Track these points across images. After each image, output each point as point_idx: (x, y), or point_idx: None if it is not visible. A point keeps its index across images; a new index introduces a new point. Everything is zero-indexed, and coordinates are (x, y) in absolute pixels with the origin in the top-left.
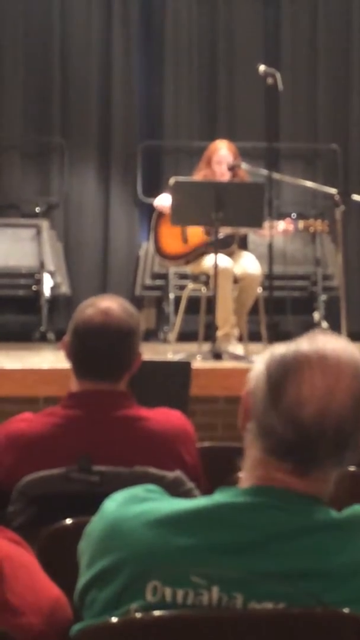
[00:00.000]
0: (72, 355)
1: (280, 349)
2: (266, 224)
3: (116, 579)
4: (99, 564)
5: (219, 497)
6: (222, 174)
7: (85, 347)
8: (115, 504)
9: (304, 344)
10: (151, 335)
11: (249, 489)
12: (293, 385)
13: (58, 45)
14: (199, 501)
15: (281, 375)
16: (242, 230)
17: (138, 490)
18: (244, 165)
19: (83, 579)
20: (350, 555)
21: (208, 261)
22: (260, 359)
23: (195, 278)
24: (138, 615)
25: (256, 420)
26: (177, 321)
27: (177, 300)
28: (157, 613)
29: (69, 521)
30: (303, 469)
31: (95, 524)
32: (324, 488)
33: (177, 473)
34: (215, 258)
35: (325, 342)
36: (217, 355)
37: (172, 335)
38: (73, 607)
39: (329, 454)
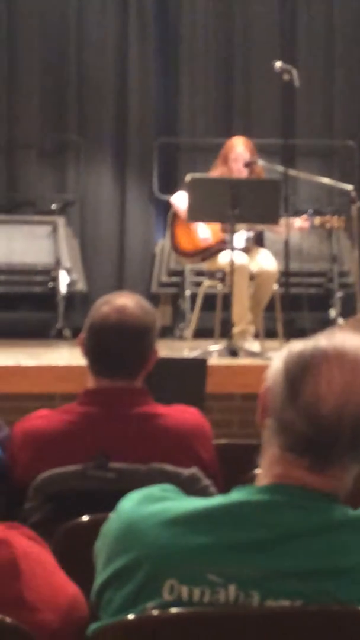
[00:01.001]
0: (88, 353)
1: (298, 345)
2: (282, 220)
3: (133, 578)
4: (116, 564)
5: (236, 495)
6: (239, 171)
7: (101, 344)
8: (131, 504)
9: (322, 341)
10: (167, 332)
11: (266, 487)
12: (311, 381)
13: (74, 43)
14: (216, 500)
15: (299, 372)
16: (258, 227)
17: (154, 489)
18: (261, 162)
19: (100, 578)
20: None
21: (224, 258)
22: (278, 356)
23: (211, 275)
24: (155, 612)
25: (274, 417)
26: (193, 318)
27: (194, 297)
28: (173, 610)
29: (85, 518)
30: (321, 465)
31: (112, 524)
32: (342, 485)
33: (193, 470)
34: (232, 255)
35: (343, 339)
36: (233, 352)
37: (188, 332)
38: (90, 606)
39: (347, 450)
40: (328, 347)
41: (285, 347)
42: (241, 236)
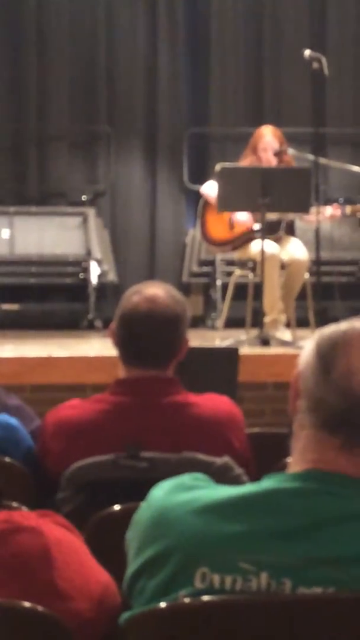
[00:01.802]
0: (119, 343)
1: (330, 328)
2: (313, 209)
3: (165, 566)
4: (148, 552)
5: (267, 483)
6: (268, 160)
7: (132, 334)
8: (162, 492)
9: (355, 323)
10: (199, 322)
11: (297, 474)
12: (343, 357)
13: (103, 34)
14: (247, 487)
15: (331, 348)
16: (289, 216)
17: (185, 478)
18: (291, 151)
19: (131, 567)
20: None
21: (255, 247)
22: (309, 342)
23: (242, 264)
24: (187, 600)
25: (307, 396)
26: (225, 307)
27: (225, 286)
28: (205, 598)
29: (117, 507)
30: (353, 441)
31: (143, 513)
32: None
33: (225, 459)
34: (262, 244)
35: None
36: (265, 341)
37: (220, 322)
38: (122, 595)
39: None
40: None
41: (315, 334)
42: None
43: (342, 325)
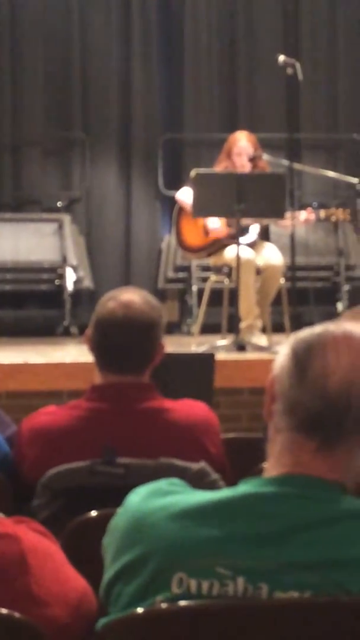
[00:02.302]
0: (95, 349)
1: (305, 331)
2: (288, 214)
3: (142, 572)
4: (124, 558)
5: (244, 487)
6: (243, 166)
7: (108, 340)
8: (138, 498)
9: (330, 326)
10: (174, 327)
11: (273, 479)
12: (318, 359)
13: (78, 40)
14: (223, 492)
15: (306, 351)
16: (264, 221)
17: (161, 483)
18: (265, 156)
19: (108, 573)
20: None
21: (230, 253)
22: (284, 346)
23: (217, 270)
24: (163, 605)
25: (283, 399)
26: (200, 313)
27: (200, 292)
28: (182, 603)
29: (93, 513)
30: (329, 444)
31: (119, 519)
32: (349, 472)
33: (201, 464)
34: (237, 250)
35: (350, 325)
36: (241, 347)
37: (196, 328)
38: (99, 602)
39: (355, 427)
40: (335, 330)
41: (290, 338)
42: (253, 230)
43: (317, 329)
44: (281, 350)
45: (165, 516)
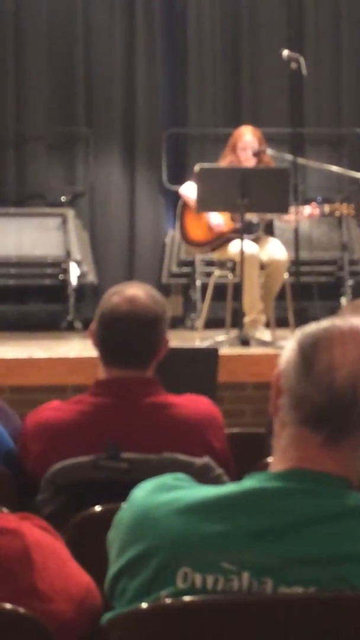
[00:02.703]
0: (99, 344)
1: (311, 326)
2: (292, 209)
3: (147, 567)
4: (129, 553)
5: (249, 482)
6: (247, 160)
7: (112, 335)
8: (143, 493)
9: (336, 320)
10: (178, 322)
11: (278, 474)
12: (325, 353)
13: (81, 35)
14: (228, 487)
15: (313, 345)
16: (268, 216)
17: (166, 478)
18: (269, 151)
19: (113, 568)
20: None
21: (234, 247)
22: (290, 341)
23: (221, 265)
24: (168, 600)
25: (289, 393)
26: (204, 308)
27: (204, 287)
28: (187, 598)
29: (98, 508)
30: (336, 437)
31: (124, 513)
32: (355, 467)
33: (205, 459)
34: (242, 244)
35: (356, 320)
36: (245, 342)
37: (200, 322)
38: (103, 597)
39: None
40: (342, 324)
41: (296, 333)
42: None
43: (323, 323)
44: (287, 345)
45: (170, 511)
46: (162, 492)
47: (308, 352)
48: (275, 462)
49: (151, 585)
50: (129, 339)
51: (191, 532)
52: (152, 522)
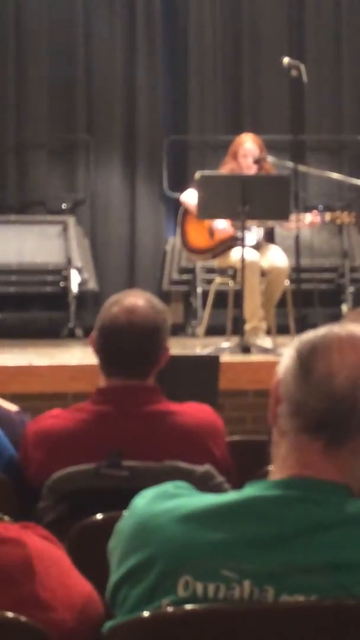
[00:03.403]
0: (100, 353)
1: (309, 334)
2: (292, 216)
3: (148, 575)
4: (130, 561)
5: (250, 490)
6: (248, 167)
7: (112, 345)
8: (144, 501)
9: (334, 327)
10: (179, 329)
11: (279, 482)
12: (323, 359)
13: (82, 42)
14: (230, 495)
15: (311, 352)
16: (269, 223)
17: (167, 486)
18: (270, 158)
19: (114, 576)
20: None
21: (235, 255)
22: (288, 349)
23: (222, 272)
24: (169, 609)
25: (288, 400)
26: (205, 315)
27: (205, 294)
28: (188, 607)
29: (99, 516)
30: (336, 443)
31: (125, 521)
32: (356, 473)
33: (207, 467)
34: (242, 251)
35: (353, 327)
36: (246, 349)
37: (200, 330)
38: (105, 605)
39: None
40: (339, 331)
41: (294, 341)
42: (253, 233)
43: (321, 330)
44: (285, 353)
45: (171, 519)
46: (163, 501)
47: (306, 359)
48: (275, 470)
49: (152, 594)
50: (128, 350)
51: (192, 540)
52: (153, 531)
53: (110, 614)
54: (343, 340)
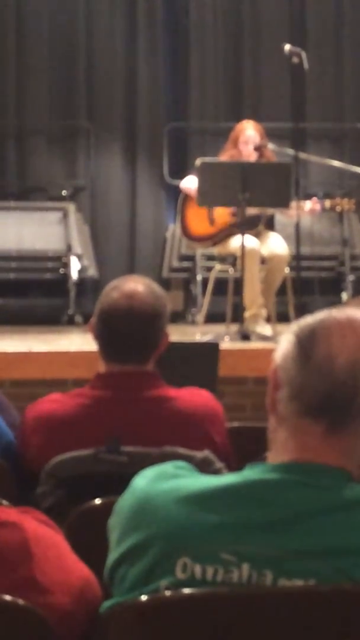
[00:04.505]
0: (99, 339)
1: (306, 319)
2: (293, 204)
3: (146, 555)
4: (129, 540)
5: (249, 473)
6: (249, 154)
7: (111, 331)
8: (145, 481)
9: (332, 311)
10: (179, 317)
11: (279, 465)
12: (323, 342)
13: (83, 28)
14: (229, 477)
15: (310, 336)
16: (269, 211)
17: (168, 466)
18: (271, 146)
19: (113, 555)
20: None
21: (235, 242)
22: (285, 335)
23: (222, 259)
24: (167, 593)
25: (288, 385)
26: (205, 302)
27: (205, 281)
28: (186, 591)
29: (98, 501)
30: (337, 426)
31: (125, 501)
32: (355, 457)
33: (206, 453)
34: (242, 239)
35: (352, 311)
36: (245, 336)
37: (200, 317)
38: (102, 585)
39: None
40: (337, 315)
41: (291, 326)
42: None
43: (319, 315)
44: (282, 339)
45: (170, 500)
46: (163, 481)
47: (306, 343)
48: (273, 455)
49: (150, 574)
50: (128, 335)
51: (191, 522)
52: (152, 511)
53: (108, 595)
54: (343, 323)
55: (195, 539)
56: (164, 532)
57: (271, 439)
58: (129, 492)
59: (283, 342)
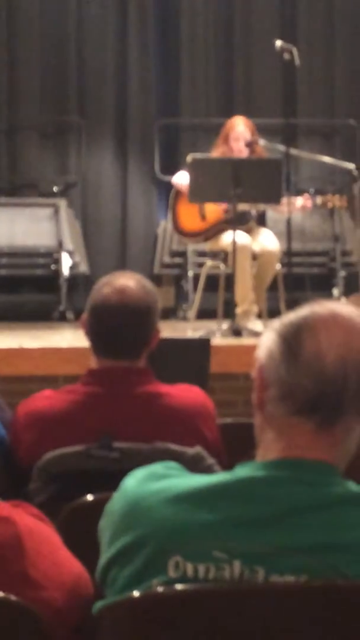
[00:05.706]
0: (90, 335)
1: (288, 316)
2: (284, 200)
3: (138, 555)
4: (121, 542)
5: (240, 471)
6: (240, 151)
7: (103, 326)
8: (135, 481)
9: (314, 307)
10: (170, 313)
11: (269, 463)
12: (310, 339)
13: (74, 23)
14: (220, 476)
15: (296, 333)
16: (260, 207)
17: (158, 467)
18: (262, 142)
19: (104, 556)
20: None
21: (226, 238)
22: (266, 334)
23: (213, 255)
24: (160, 589)
25: (276, 384)
26: (196, 299)
27: (196, 277)
28: (178, 587)
29: (89, 497)
30: (328, 422)
31: (116, 502)
32: (345, 453)
33: (197, 449)
34: (234, 235)
35: (334, 304)
36: (237, 332)
37: (192, 313)
38: (95, 585)
39: (351, 406)
40: (321, 310)
41: (273, 323)
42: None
43: (302, 311)
44: (264, 338)
45: (161, 500)
46: (153, 481)
47: (292, 341)
48: (262, 453)
49: (143, 574)
50: (119, 331)
51: (182, 521)
52: (143, 511)
53: (100, 594)
54: (327, 319)
55: (187, 537)
56: (156, 532)
57: (259, 437)
58: (119, 494)
59: (266, 340)
